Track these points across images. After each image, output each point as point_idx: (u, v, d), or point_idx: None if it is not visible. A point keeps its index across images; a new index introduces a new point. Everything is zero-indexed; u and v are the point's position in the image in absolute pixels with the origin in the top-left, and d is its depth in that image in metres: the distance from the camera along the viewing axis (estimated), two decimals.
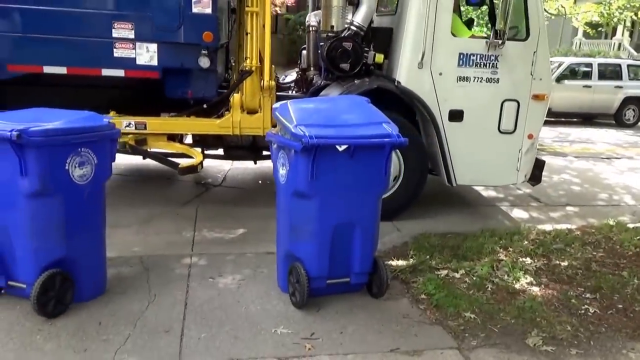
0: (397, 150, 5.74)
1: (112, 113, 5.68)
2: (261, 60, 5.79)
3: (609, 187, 8.53)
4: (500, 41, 5.75)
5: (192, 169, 5.79)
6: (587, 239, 5.70)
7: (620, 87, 16.26)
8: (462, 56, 5.84)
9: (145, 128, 5.76)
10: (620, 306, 4.31)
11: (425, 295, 4.27)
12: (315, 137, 3.65)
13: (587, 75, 16.31)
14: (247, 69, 5.78)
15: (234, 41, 6.98)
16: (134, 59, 5.39)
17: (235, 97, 5.88)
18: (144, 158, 6.32)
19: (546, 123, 6.55)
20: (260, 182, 7.55)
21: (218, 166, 7.91)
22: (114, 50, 5.34)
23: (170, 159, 5.98)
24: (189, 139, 6.54)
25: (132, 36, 5.33)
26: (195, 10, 5.28)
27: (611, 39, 28.13)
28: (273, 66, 6.08)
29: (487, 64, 5.88)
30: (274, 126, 4.53)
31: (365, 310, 4.03)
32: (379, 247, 4.75)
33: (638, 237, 5.70)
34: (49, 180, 3.54)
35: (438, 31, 5.74)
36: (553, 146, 11.90)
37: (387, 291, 4.21)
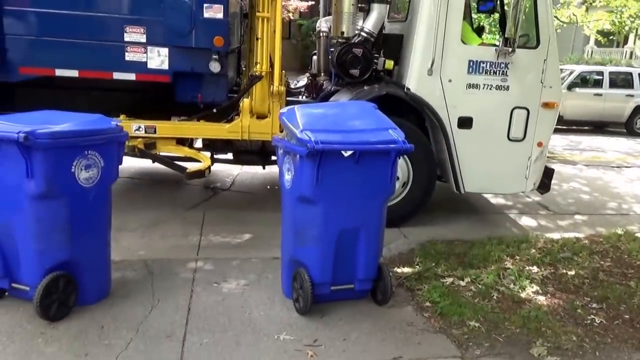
0: (406, 157, 5.73)
1: (122, 116, 5.71)
2: (271, 65, 5.82)
3: (618, 196, 8.46)
4: (510, 49, 5.74)
5: (200, 174, 5.80)
6: (595, 248, 5.66)
7: (632, 95, 16.14)
8: (472, 63, 5.83)
9: (154, 132, 5.78)
10: (627, 317, 4.26)
11: (430, 303, 4.25)
12: (320, 143, 3.64)
13: (598, 84, 16.21)
14: (257, 74, 5.81)
15: (245, 46, 7.00)
16: (145, 62, 5.43)
17: (245, 102, 5.90)
18: (153, 162, 6.34)
19: (557, 131, 6.52)
20: (268, 187, 7.54)
21: (227, 170, 7.92)
22: (126, 54, 5.38)
23: (178, 163, 6.00)
24: (198, 143, 6.56)
25: (143, 40, 5.37)
26: (206, 15, 5.30)
27: (623, 47, 28.02)
28: (283, 71, 6.10)
29: (497, 72, 5.86)
30: (282, 131, 4.53)
31: (369, 317, 4.01)
32: (385, 254, 4.74)
33: None
34: (54, 182, 3.54)
35: (448, 38, 5.74)
36: (563, 154, 11.83)
37: (392, 298, 4.19)
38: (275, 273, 4.54)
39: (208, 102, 5.84)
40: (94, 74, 5.47)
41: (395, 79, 6.14)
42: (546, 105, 6.00)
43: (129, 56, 5.39)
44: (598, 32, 24.56)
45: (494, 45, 6.08)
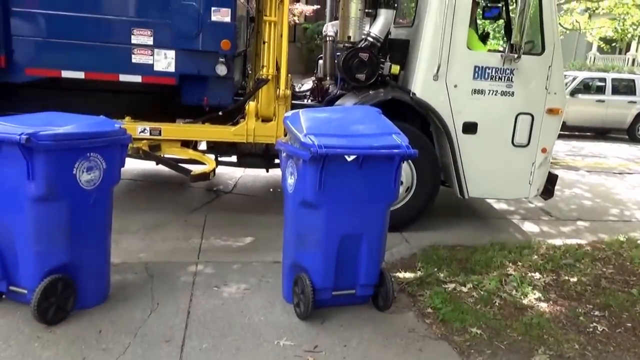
0: (410, 162, 5.74)
1: (127, 118, 5.73)
2: (278, 69, 5.84)
3: (620, 203, 8.44)
4: (515, 55, 5.75)
5: (204, 177, 5.80)
6: (597, 255, 5.64)
7: (634, 102, 16.14)
8: (477, 69, 5.85)
9: (160, 134, 5.78)
10: (630, 325, 4.24)
11: (432, 309, 4.23)
12: (324, 147, 3.63)
13: (600, 90, 16.21)
14: (263, 77, 5.83)
15: (251, 49, 7.02)
16: (152, 65, 5.44)
17: (251, 105, 5.91)
18: (157, 164, 6.33)
19: (559, 136, 6.52)
20: (271, 190, 7.53)
21: (230, 173, 7.90)
22: (132, 56, 5.40)
23: (182, 165, 5.99)
24: (202, 146, 6.56)
25: (150, 43, 5.39)
26: (214, 18, 5.32)
27: (625, 54, 28.02)
28: (289, 75, 6.11)
29: (502, 78, 5.88)
30: (287, 135, 4.52)
31: (370, 323, 3.98)
32: (387, 258, 4.72)
33: None
34: (55, 184, 3.53)
35: (454, 44, 5.76)
36: (566, 160, 11.81)
37: (393, 304, 4.17)
38: (276, 277, 4.51)
39: (214, 104, 5.85)
40: (100, 76, 5.49)
41: (400, 83, 6.16)
42: (551, 111, 6.02)
43: (136, 58, 5.41)
44: (601, 39, 24.57)
45: (500, 51, 6.08)
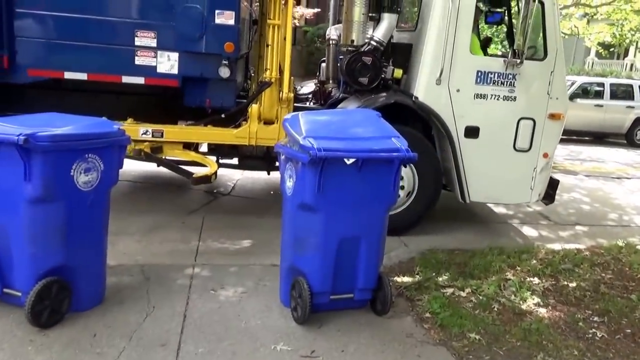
0: (412, 166, 5.74)
1: (129, 120, 5.72)
2: (281, 72, 5.84)
3: (619, 207, 8.44)
4: (518, 60, 5.76)
5: (206, 179, 5.78)
6: (596, 260, 5.62)
7: (632, 107, 16.20)
8: (479, 74, 5.86)
9: (162, 136, 5.77)
10: (629, 331, 4.21)
11: (430, 314, 4.19)
12: (323, 150, 3.60)
13: (599, 95, 16.26)
14: (266, 80, 5.84)
15: (253, 51, 7.03)
16: (155, 67, 5.45)
17: (254, 108, 5.91)
18: (158, 166, 6.31)
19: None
20: (272, 192, 7.49)
21: (228, 175, 7.88)
22: (136, 58, 5.41)
23: (184, 168, 5.97)
24: (203, 148, 6.55)
25: (154, 45, 5.40)
26: (218, 21, 5.33)
27: (623, 59, 28.10)
28: (292, 78, 6.11)
29: (505, 82, 5.90)
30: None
31: (368, 328, 3.94)
32: (385, 262, 4.68)
33: None
34: (52, 185, 3.49)
35: (457, 48, 5.77)
36: (564, 164, 11.80)
37: (392, 308, 4.13)
38: (273, 280, 4.47)
39: (216, 107, 5.85)
40: (103, 77, 5.49)
41: (402, 87, 6.17)
42: (552, 116, 6.03)
43: (139, 60, 5.42)
44: (599, 44, 24.71)
45: (502, 56, 6.09)
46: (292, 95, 6.00)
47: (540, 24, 5.91)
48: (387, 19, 6.03)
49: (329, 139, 3.80)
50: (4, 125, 3.50)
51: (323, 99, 6.68)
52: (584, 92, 16.20)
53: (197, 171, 5.86)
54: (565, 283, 4.99)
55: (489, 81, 5.86)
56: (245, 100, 6.11)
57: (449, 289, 4.65)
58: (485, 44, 6.92)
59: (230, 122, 5.99)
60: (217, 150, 6.39)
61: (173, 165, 6.00)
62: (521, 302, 4.52)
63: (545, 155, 6.11)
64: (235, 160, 6.62)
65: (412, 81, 6.00)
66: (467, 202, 6.12)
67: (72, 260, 3.67)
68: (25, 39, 5.30)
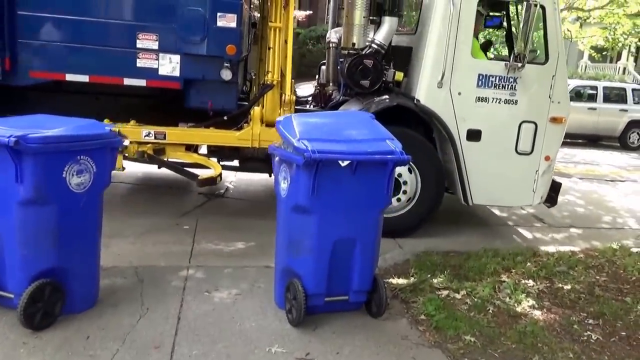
0: (415, 169, 5.81)
1: (132, 122, 5.73)
2: (282, 74, 5.86)
3: (613, 210, 8.46)
4: (520, 64, 5.78)
5: (211, 181, 5.80)
6: (590, 263, 5.63)
7: (625, 110, 16.27)
8: (481, 77, 5.88)
9: (164, 138, 5.78)
10: (624, 334, 4.21)
11: (425, 316, 4.18)
12: (317, 152, 3.58)
13: (592, 98, 16.32)
14: (268, 82, 5.85)
15: (252, 54, 7.04)
16: (157, 69, 5.47)
17: (256, 110, 5.92)
18: (159, 167, 6.30)
19: None
20: (269, 194, 7.46)
21: (222, 177, 7.82)
22: (137, 60, 5.42)
23: (189, 170, 5.97)
24: (203, 149, 6.54)
25: (155, 47, 5.41)
26: (220, 23, 5.35)
27: (616, 63, 28.21)
28: (293, 80, 6.14)
29: (506, 86, 5.92)
30: None
31: (363, 330, 3.93)
32: (380, 264, 4.68)
33: None
34: (44, 187, 3.47)
35: (458, 52, 5.79)
36: (558, 167, 11.76)
37: (387, 311, 4.12)
38: (268, 282, 4.45)
39: (218, 109, 5.86)
40: (105, 80, 5.50)
41: (403, 90, 6.18)
42: (554, 120, 6.07)
43: (141, 62, 5.43)
44: (592, 47, 24.81)
45: (504, 60, 6.10)
46: (294, 97, 6.03)
47: (542, 27, 5.93)
48: (388, 22, 6.04)
49: (323, 141, 3.78)
50: None
51: (323, 102, 6.70)
52: (577, 95, 16.22)
53: (202, 173, 5.85)
54: (560, 285, 4.99)
55: (490, 84, 5.88)
56: (246, 103, 6.13)
57: (444, 291, 4.64)
58: (485, 47, 6.94)
59: (232, 125, 5.99)
60: (218, 152, 6.39)
61: (178, 167, 6.01)
62: (516, 305, 4.52)
63: (547, 158, 6.15)
64: (236, 162, 6.61)
65: (413, 84, 6.02)
66: (469, 205, 6.13)
67: (65, 262, 3.65)
68: (26, 41, 5.30)
